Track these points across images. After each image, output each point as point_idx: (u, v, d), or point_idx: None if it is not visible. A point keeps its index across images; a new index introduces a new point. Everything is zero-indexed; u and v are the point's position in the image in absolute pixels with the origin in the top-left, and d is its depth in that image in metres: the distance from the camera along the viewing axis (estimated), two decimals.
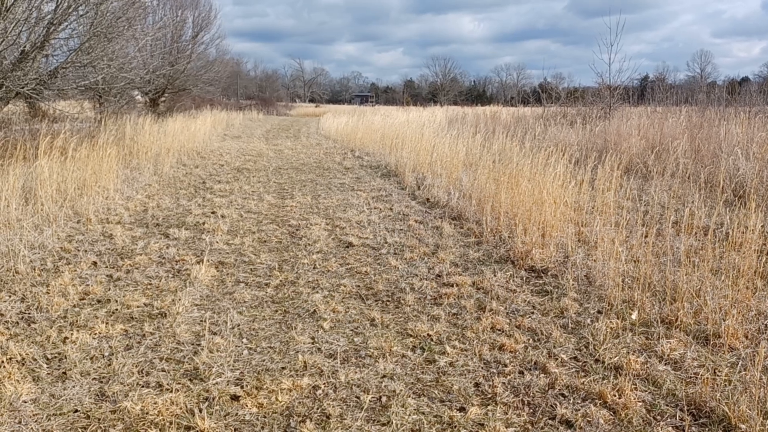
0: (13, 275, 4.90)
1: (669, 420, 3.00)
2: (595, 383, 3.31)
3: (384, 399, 3.15)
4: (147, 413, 2.95)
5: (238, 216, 7.59)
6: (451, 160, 10.00)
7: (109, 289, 4.71)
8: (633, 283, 4.67)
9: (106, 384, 3.23)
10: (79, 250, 5.73)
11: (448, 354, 3.68)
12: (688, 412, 3.06)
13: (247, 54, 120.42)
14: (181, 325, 4.04)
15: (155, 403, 3.02)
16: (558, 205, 6.21)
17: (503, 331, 4.03)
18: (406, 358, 3.64)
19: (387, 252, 5.99)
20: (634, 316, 4.15)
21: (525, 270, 5.39)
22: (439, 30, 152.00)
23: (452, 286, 4.94)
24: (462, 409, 3.07)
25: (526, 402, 3.15)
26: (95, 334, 3.86)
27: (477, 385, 3.33)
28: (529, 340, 3.90)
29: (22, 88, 9.42)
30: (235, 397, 3.13)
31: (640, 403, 3.13)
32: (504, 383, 3.32)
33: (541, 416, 3.02)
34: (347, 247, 6.20)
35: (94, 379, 3.29)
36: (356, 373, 3.42)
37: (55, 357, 3.53)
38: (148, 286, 4.82)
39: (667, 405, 3.13)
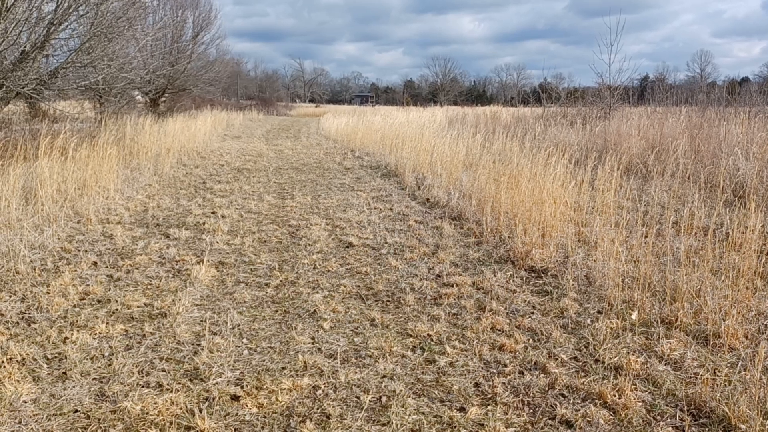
0: (14, 275, 4.90)
1: (669, 420, 3.00)
2: (595, 383, 3.31)
3: (384, 399, 3.15)
4: (147, 413, 2.95)
5: (238, 216, 7.59)
6: (451, 160, 10.00)
7: (110, 289, 4.71)
8: (633, 283, 4.67)
9: (106, 384, 3.23)
10: (79, 250, 5.74)
11: (448, 354, 3.68)
12: (688, 412, 3.06)
13: (247, 54, 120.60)
14: (181, 325, 4.04)
15: (155, 403, 3.02)
16: (558, 205, 6.22)
17: (503, 331, 4.03)
18: (406, 358, 3.64)
19: (387, 252, 6.00)
20: (634, 316, 4.15)
21: (525, 270, 5.40)
22: (439, 30, 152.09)
23: (452, 286, 4.94)
24: (462, 409, 3.07)
25: (526, 402, 3.15)
26: (95, 334, 3.86)
27: (477, 385, 3.33)
28: (529, 340, 3.91)
29: (23, 88, 9.43)
30: (235, 397, 3.14)
31: (640, 403, 3.13)
32: (504, 383, 3.33)
33: (541, 416, 3.02)
34: (347, 247, 6.20)
35: (94, 379, 3.29)
36: (356, 373, 3.43)
37: (55, 357, 3.54)
38: (149, 286, 4.83)
39: (667, 405, 3.13)
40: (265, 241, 6.39)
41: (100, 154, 8.79)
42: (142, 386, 3.22)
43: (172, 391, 3.16)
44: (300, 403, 3.10)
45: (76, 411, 2.98)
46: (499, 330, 4.06)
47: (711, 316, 4.07)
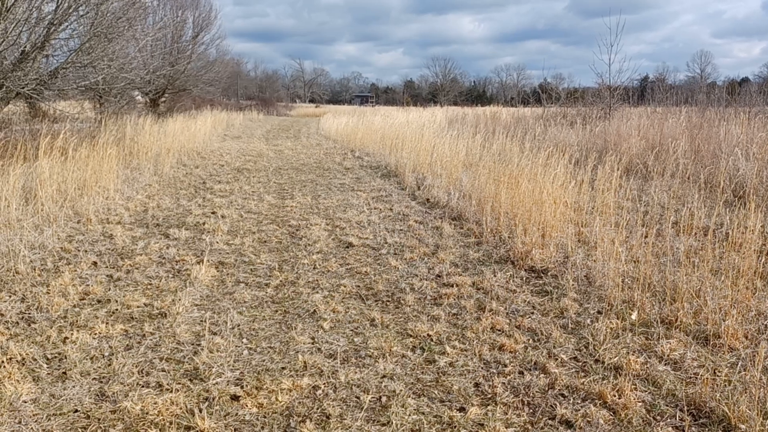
0: (14, 275, 4.90)
1: (669, 420, 3.00)
2: (595, 383, 3.31)
3: (384, 399, 3.15)
4: (147, 413, 2.95)
5: (238, 216, 7.59)
6: (451, 160, 10.00)
7: (109, 289, 4.71)
8: (633, 284, 4.67)
9: (106, 384, 3.23)
10: (79, 250, 5.74)
11: (448, 354, 3.68)
12: (688, 412, 3.06)
13: (247, 54, 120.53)
14: (181, 325, 4.04)
15: (155, 403, 3.02)
16: (558, 205, 6.22)
17: (503, 332, 4.03)
18: (406, 358, 3.64)
19: (387, 252, 6.00)
20: (634, 317, 4.15)
21: (525, 270, 5.40)
22: (439, 30, 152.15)
23: (452, 286, 4.94)
24: (462, 409, 3.07)
25: (526, 402, 3.15)
26: (95, 334, 3.86)
27: (477, 385, 3.33)
28: (529, 340, 3.90)
29: (23, 88, 9.43)
30: (235, 397, 3.14)
31: (640, 404, 3.13)
32: (504, 383, 3.33)
33: (540, 416, 3.02)
34: (347, 247, 6.20)
35: (94, 379, 3.29)
36: (356, 373, 3.42)
37: (55, 357, 3.54)
38: (148, 286, 4.83)
39: (667, 405, 3.13)
40: (265, 241, 6.39)
41: (100, 154, 8.79)
42: (142, 386, 3.22)
43: (172, 391, 3.16)
44: (300, 403, 3.10)
45: (76, 411, 2.98)
46: (499, 330, 4.06)
47: (711, 316, 4.07)
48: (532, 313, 4.39)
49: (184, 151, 14.19)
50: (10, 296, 4.46)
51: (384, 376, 3.40)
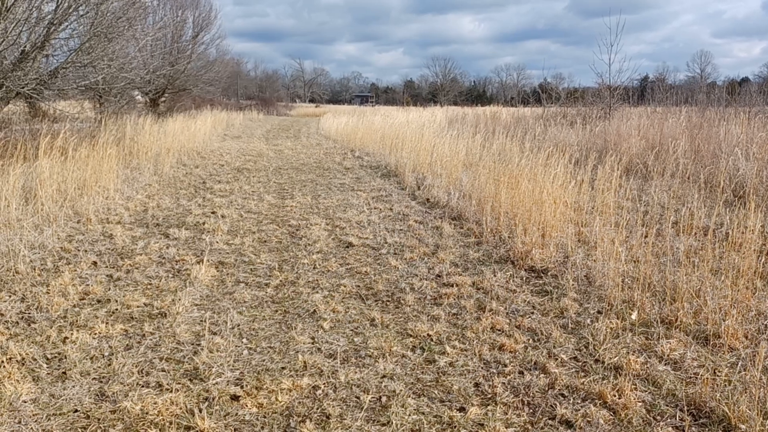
0: (13, 275, 4.90)
1: (669, 420, 3.00)
2: (595, 383, 3.31)
3: (384, 399, 3.15)
4: (147, 413, 2.95)
5: (238, 216, 7.59)
6: (451, 160, 10.00)
7: (109, 289, 4.71)
8: (633, 284, 4.67)
9: (106, 384, 3.23)
10: (79, 250, 5.74)
11: (448, 354, 3.68)
12: (688, 412, 3.06)
13: (247, 54, 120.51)
14: (181, 325, 4.04)
15: (155, 403, 3.02)
16: (558, 205, 6.22)
17: (503, 331, 4.03)
18: (406, 358, 3.64)
19: (387, 252, 5.99)
20: (634, 317, 4.15)
21: (525, 270, 5.40)
22: (439, 30, 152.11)
23: (452, 286, 4.94)
24: (462, 409, 3.07)
25: (526, 402, 3.15)
26: (95, 334, 3.86)
27: (477, 385, 3.33)
28: (529, 340, 3.90)
29: (23, 88, 9.43)
30: (235, 397, 3.14)
31: (640, 404, 3.13)
32: (504, 383, 3.32)
33: (541, 416, 3.02)
34: (347, 247, 6.20)
35: (94, 379, 3.29)
36: (356, 373, 3.42)
37: (55, 357, 3.53)
38: (148, 286, 4.82)
39: (667, 405, 3.13)
40: (265, 241, 6.39)
41: (100, 154, 8.78)
42: (142, 386, 3.22)
43: (171, 391, 3.16)
44: (300, 403, 3.10)
45: (76, 411, 2.98)
46: (499, 330, 4.06)
47: (711, 316, 4.07)
48: (532, 313, 4.39)
49: (184, 150, 14.19)
50: (9, 296, 4.46)
51: (384, 376, 3.40)
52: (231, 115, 29.91)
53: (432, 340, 3.91)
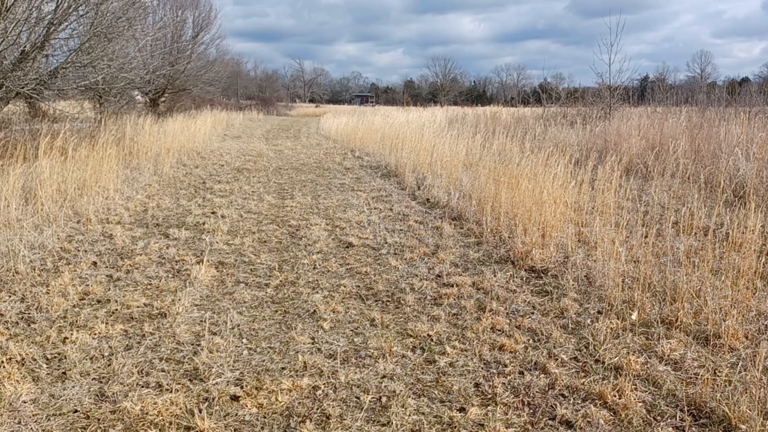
0: (13, 275, 4.90)
1: (669, 420, 3.00)
2: (595, 383, 3.31)
3: (384, 399, 3.15)
4: (147, 413, 2.95)
5: (238, 216, 7.59)
6: (451, 160, 10.00)
7: (109, 289, 4.71)
8: (633, 284, 4.67)
9: (105, 384, 3.23)
10: (79, 250, 5.73)
11: (448, 354, 3.68)
12: (689, 412, 3.06)
13: (247, 54, 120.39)
14: (181, 325, 4.04)
15: (155, 403, 3.01)
16: (558, 205, 6.22)
17: (503, 332, 4.03)
18: (406, 358, 3.64)
19: (387, 252, 5.99)
20: (634, 317, 4.15)
21: (525, 270, 5.39)
22: (439, 30, 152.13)
23: (452, 286, 4.94)
24: (462, 410, 3.06)
25: (526, 402, 3.15)
26: (95, 334, 3.85)
27: (477, 385, 3.33)
28: (529, 340, 3.90)
29: (23, 88, 9.43)
30: (235, 398, 3.13)
31: (641, 404, 3.13)
32: (504, 383, 3.32)
33: (541, 416, 3.01)
34: (347, 247, 6.20)
35: (94, 379, 3.29)
36: (356, 373, 3.42)
37: (55, 357, 3.53)
38: (148, 286, 4.82)
39: (668, 405, 3.13)
40: (265, 241, 6.39)
41: (100, 154, 8.78)
42: (142, 386, 3.22)
43: (171, 391, 3.16)
44: (300, 403, 3.10)
45: (76, 411, 2.97)
46: (499, 330, 4.06)
47: (711, 316, 4.06)
48: (532, 313, 4.39)
49: (183, 150, 14.19)
50: (9, 296, 4.45)
51: (384, 377, 3.40)
52: (231, 115, 29.91)
53: (432, 340, 3.91)
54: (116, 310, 4.30)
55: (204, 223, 7.05)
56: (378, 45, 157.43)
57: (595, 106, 18.00)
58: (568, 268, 5.24)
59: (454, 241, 6.40)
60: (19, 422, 2.86)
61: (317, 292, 4.78)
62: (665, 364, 3.57)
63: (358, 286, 4.97)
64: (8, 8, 8.14)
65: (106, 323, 4.01)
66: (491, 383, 3.32)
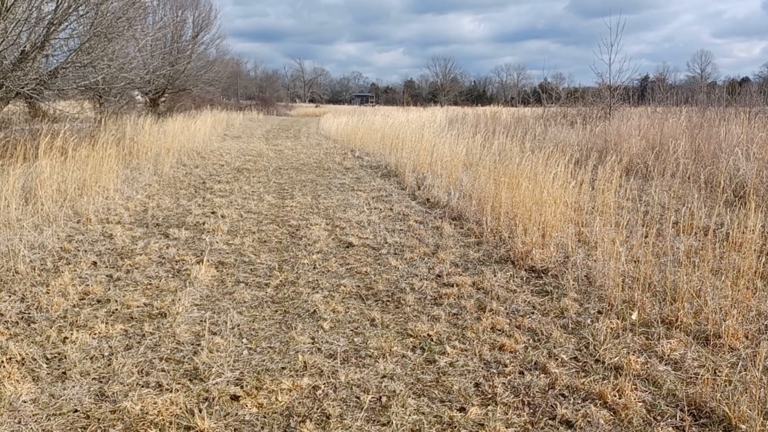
0: (13, 275, 4.89)
1: (669, 420, 3.00)
2: (595, 383, 3.31)
3: (384, 399, 3.15)
4: (147, 413, 2.95)
5: (238, 216, 7.59)
6: (451, 160, 9.99)
7: (109, 289, 4.71)
8: (633, 284, 4.66)
9: (105, 384, 3.23)
10: (79, 250, 5.73)
11: (448, 354, 3.68)
12: (689, 412, 3.06)
13: (247, 54, 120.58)
14: (181, 325, 4.04)
15: (155, 403, 3.01)
16: (558, 205, 6.21)
17: (503, 332, 4.03)
18: (406, 358, 3.64)
19: (387, 252, 5.99)
20: (634, 317, 4.15)
21: (525, 270, 5.39)
22: (439, 30, 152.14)
23: (452, 286, 4.94)
24: (462, 410, 3.06)
25: (526, 402, 3.14)
26: (95, 334, 3.85)
27: (477, 385, 3.33)
28: (529, 340, 3.90)
29: (23, 88, 9.43)
30: (235, 397, 3.13)
31: (641, 404, 3.12)
32: (504, 383, 3.32)
33: (541, 416, 3.01)
34: (347, 247, 6.19)
35: (94, 379, 3.29)
36: (356, 373, 3.42)
37: (55, 357, 3.53)
38: (148, 286, 4.82)
39: (668, 405, 3.13)
40: (265, 241, 6.39)
41: (100, 154, 8.78)
42: (142, 386, 3.22)
43: (171, 391, 3.16)
44: (300, 403, 3.10)
45: (76, 411, 2.97)
46: (500, 330, 4.06)
47: (711, 316, 4.06)
48: (533, 313, 4.39)
49: (183, 150, 14.19)
50: (9, 296, 4.45)
51: (384, 376, 3.39)
52: (231, 115, 29.90)
53: (432, 340, 3.91)
54: (116, 309, 4.30)
55: (204, 223, 7.05)
56: (378, 45, 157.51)
57: (595, 106, 18.00)
58: (568, 268, 5.23)
59: (454, 241, 6.39)
60: (19, 422, 2.86)
61: (317, 292, 4.78)
62: (665, 364, 3.57)
63: (358, 286, 4.97)
64: (8, 8, 8.14)
65: (106, 323, 4.00)
66: (491, 383, 3.32)
